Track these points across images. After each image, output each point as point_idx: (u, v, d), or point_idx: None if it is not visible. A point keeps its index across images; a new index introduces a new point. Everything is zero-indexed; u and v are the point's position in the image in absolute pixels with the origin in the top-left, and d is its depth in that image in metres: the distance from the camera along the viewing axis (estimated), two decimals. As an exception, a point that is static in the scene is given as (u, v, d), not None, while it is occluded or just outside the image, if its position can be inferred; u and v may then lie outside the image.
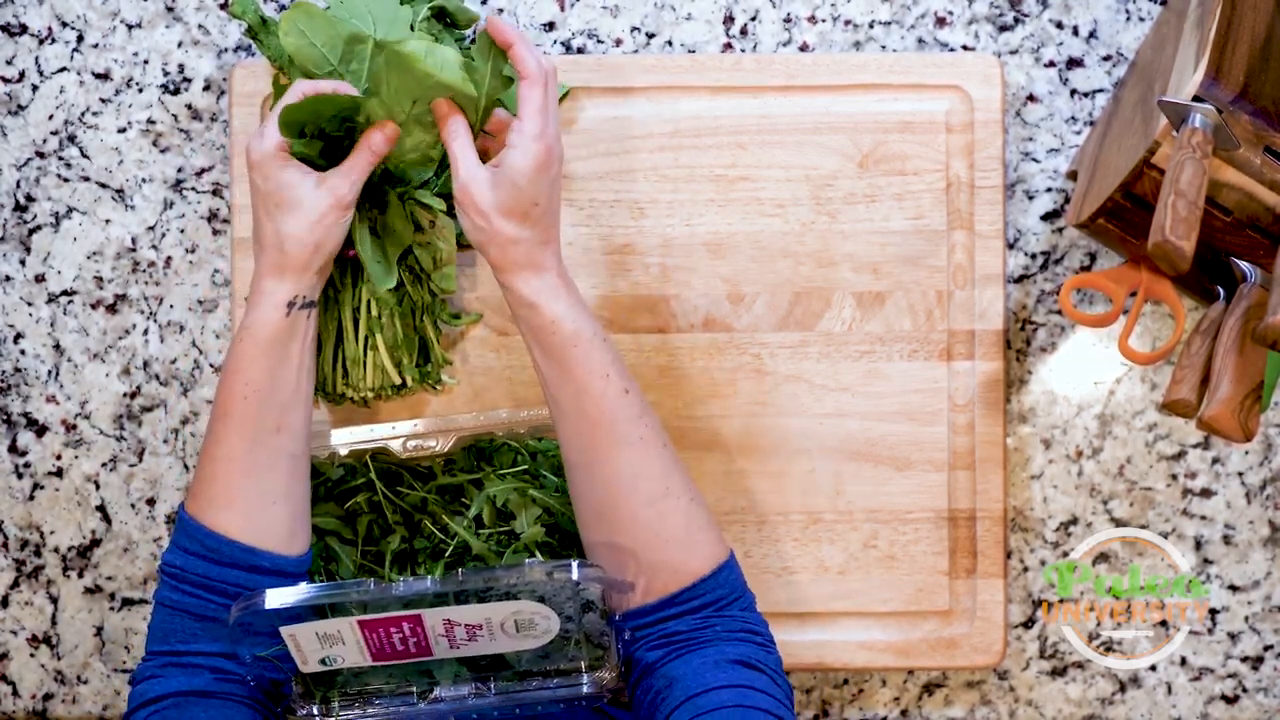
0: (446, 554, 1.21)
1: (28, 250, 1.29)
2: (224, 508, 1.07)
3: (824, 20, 1.29)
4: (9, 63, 1.29)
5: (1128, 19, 1.29)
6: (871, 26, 1.29)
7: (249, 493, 1.08)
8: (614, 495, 1.08)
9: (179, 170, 1.29)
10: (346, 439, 1.23)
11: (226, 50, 1.29)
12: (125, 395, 1.29)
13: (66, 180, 1.29)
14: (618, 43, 1.29)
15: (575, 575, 1.05)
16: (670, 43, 1.29)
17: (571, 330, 1.08)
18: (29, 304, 1.29)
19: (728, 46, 1.29)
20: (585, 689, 1.11)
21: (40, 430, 1.29)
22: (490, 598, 1.06)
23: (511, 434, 1.23)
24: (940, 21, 1.29)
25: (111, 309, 1.29)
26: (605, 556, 1.09)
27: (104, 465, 1.29)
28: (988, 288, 1.26)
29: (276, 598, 1.04)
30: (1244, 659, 1.30)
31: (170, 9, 1.29)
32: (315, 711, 1.12)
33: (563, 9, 1.29)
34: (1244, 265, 1.09)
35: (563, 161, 1.08)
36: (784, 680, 1.06)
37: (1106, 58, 1.29)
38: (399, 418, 1.26)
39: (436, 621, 1.05)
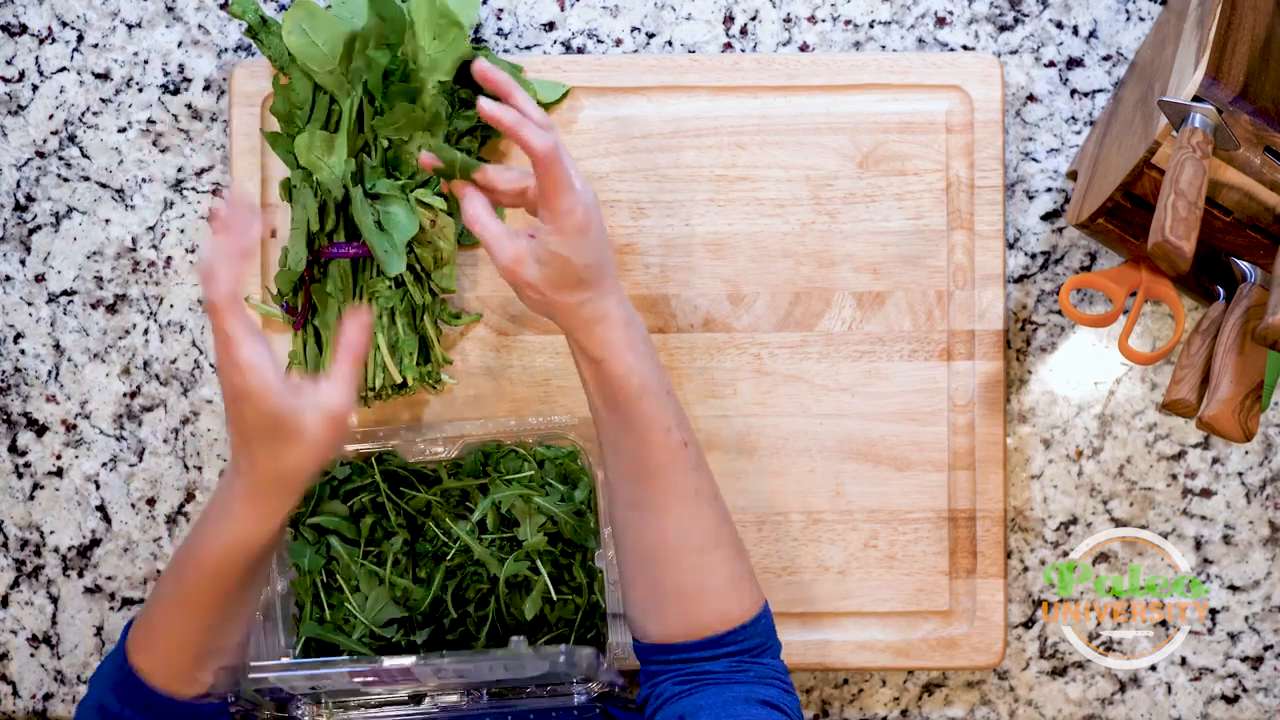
0: (449, 557, 1.21)
1: (28, 250, 1.29)
2: (152, 655, 1.06)
3: (824, 20, 1.29)
4: (9, 63, 1.29)
5: (1128, 19, 1.29)
6: (871, 26, 1.29)
7: (186, 652, 1.06)
8: (665, 542, 1.08)
9: (179, 170, 1.29)
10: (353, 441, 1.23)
11: (226, 50, 1.29)
12: (125, 395, 1.29)
13: (66, 180, 1.29)
14: (618, 43, 1.29)
15: (565, 666, 1.08)
16: (670, 43, 1.29)
17: (639, 384, 1.07)
18: (29, 304, 1.29)
19: (728, 46, 1.29)
20: (577, 698, 1.12)
21: (40, 430, 1.29)
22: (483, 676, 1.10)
23: (519, 441, 1.23)
24: (940, 21, 1.29)
25: (111, 309, 1.29)
26: (643, 589, 1.10)
27: (104, 465, 1.29)
28: (988, 288, 1.26)
29: (259, 676, 1.05)
30: (1244, 659, 1.30)
31: (170, 9, 1.29)
32: (310, 714, 1.13)
33: (563, 9, 1.29)
34: (1244, 265, 1.09)
35: (598, 208, 1.05)
36: None
37: (1106, 58, 1.29)
38: (400, 418, 1.26)
39: (426, 672, 1.07)
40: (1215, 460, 1.29)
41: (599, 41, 1.29)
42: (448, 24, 1.18)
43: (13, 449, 1.29)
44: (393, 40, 1.19)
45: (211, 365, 1.28)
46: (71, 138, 1.29)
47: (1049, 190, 1.29)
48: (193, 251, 1.29)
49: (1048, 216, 1.29)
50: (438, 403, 1.26)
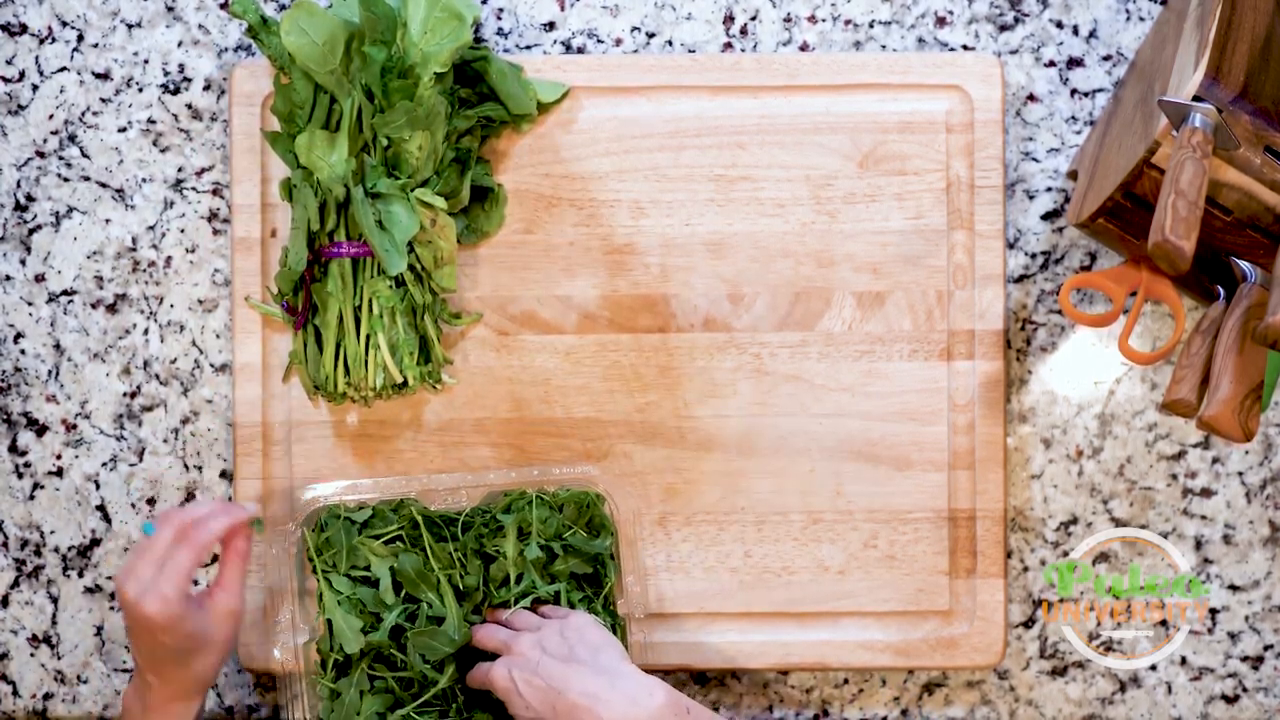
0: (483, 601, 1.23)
1: (28, 250, 1.29)
2: None
3: (824, 20, 1.29)
4: (9, 63, 1.29)
5: (1128, 19, 1.29)
6: (871, 26, 1.29)
7: None
8: None
9: (179, 170, 1.29)
10: (374, 490, 1.23)
11: (226, 50, 1.29)
12: (125, 395, 1.29)
13: (66, 180, 1.29)
14: (618, 43, 1.29)
15: None
16: (670, 43, 1.29)
17: None
18: (29, 304, 1.29)
19: (728, 46, 1.29)
20: None
21: (40, 430, 1.29)
22: None
23: (540, 490, 1.24)
24: (940, 21, 1.29)
25: (111, 309, 1.29)
26: None
27: (104, 465, 1.29)
28: (988, 287, 1.26)
29: None
30: (1244, 659, 1.30)
31: (170, 9, 1.29)
32: None
33: (563, 9, 1.29)
34: (1244, 265, 1.09)
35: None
36: None
37: (1106, 58, 1.29)
38: (400, 418, 1.26)
39: None
40: (1215, 460, 1.29)
41: (599, 41, 1.29)
42: (447, 16, 1.18)
43: (13, 449, 1.29)
44: (386, 37, 1.19)
45: (211, 365, 1.28)
46: (71, 138, 1.29)
47: (1049, 190, 1.29)
48: (193, 251, 1.29)
49: (1048, 216, 1.29)
50: (438, 402, 1.26)
